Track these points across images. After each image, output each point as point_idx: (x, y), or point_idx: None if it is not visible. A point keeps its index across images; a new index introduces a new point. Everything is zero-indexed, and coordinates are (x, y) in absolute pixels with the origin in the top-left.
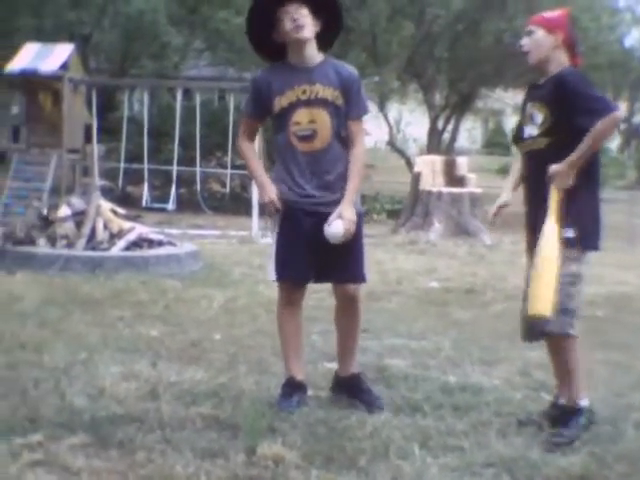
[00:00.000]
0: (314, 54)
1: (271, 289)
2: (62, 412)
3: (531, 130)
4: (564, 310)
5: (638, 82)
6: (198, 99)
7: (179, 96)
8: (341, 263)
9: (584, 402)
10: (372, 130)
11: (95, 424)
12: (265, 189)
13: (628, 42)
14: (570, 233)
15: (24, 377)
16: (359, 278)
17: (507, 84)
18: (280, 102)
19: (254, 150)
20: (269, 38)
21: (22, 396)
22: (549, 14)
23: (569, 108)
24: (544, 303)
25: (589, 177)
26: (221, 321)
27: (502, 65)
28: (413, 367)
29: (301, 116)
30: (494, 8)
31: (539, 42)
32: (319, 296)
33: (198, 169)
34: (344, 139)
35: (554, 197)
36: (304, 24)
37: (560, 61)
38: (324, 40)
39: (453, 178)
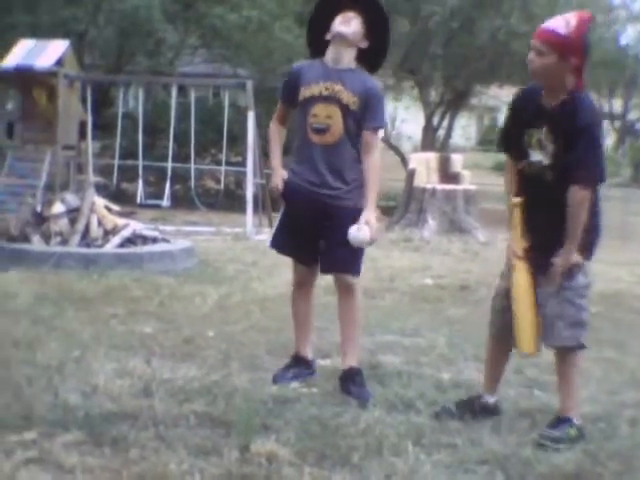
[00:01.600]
0: (348, 60)
1: (265, 286)
2: (56, 409)
3: (539, 157)
4: (577, 323)
5: (633, 80)
6: (193, 96)
7: (174, 93)
8: (341, 252)
9: (577, 421)
10: None
11: (89, 421)
12: (274, 173)
13: (623, 40)
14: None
15: (17, 374)
16: (355, 270)
17: (502, 81)
18: (304, 93)
19: (279, 134)
20: (322, 38)
21: (16, 394)
22: (564, 30)
23: (572, 146)
24: (528, 341)
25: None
26: (215, 318)
27: (497, 62)
28: (406, 364)
29: (319, 110)
30: (489, 5)
31: (550, 68)
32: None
33: (193, 166)
34: (355, 140)
35: (514, 217)
36: (351, 23)
37: (568, 85)
38: (370, 61)
39: (447, 175)
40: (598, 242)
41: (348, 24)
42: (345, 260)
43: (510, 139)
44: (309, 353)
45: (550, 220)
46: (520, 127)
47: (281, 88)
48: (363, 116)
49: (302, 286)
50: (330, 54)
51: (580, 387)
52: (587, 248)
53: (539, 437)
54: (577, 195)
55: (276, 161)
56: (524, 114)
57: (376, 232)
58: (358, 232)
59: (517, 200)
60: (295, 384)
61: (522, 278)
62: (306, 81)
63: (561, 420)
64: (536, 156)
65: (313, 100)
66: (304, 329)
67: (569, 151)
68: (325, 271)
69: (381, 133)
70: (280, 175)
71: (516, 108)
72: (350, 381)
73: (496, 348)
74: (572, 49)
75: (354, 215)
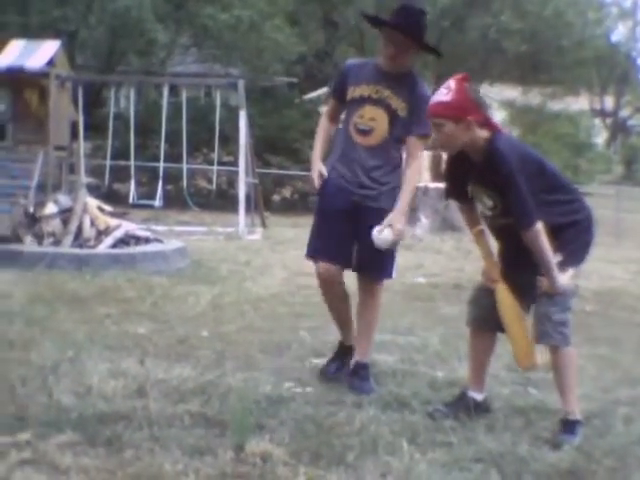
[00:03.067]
0: (402, 65)
1: (258, 286)
2: (50, 410)
3: (484, 210)
4: (563, 322)
5: (624, 77)
6: (185, 95)
7: (165, 92)
8: (371, 255)
9: (579, 416)
10: None
11: (83, 422)
12: (313, 168)
13: (614, 37)
14: (559, 257)
15: (12, 375)
16: (386, 274)
17: (493, 79)
18: (353, 92)
19: (326, 129)
20: None
21: (10, 394)
22: (447, 96)
23: (505, 196)
24: (526, 356)
25: (567, 214)
26: (208, 318)
27: (488, 60)
28: (401, 362)
29: (365, 111)
30: (479, 4)
31: (454, 135)
32: (307, 292)
33: (185, 166)
34: (399, 145)
35: (481, 247)
36: (398, 57)
37: (481, 137)
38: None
39: (439, 173)
40: (589, 250)
41: (393, 59)
42: (375, 263)
43: (454, 191)
44: (349, 342)
45: (521, 249)
46: (458, 181)
47: (332, 84)
48: (410, 122)
49: (326, 282)
50: (381, 58)
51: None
52: (576, 257)
53: (558, 442)
54: (526, 238)
55: (316, 156)
56: (460, 171)
57: (400, 234)
58: (379, 234)
59: (478, 228)
60: (290, 386)
61: (505, 297)
62: (356, 80)
63: (572, 422)
64: (480, 208)
65: (361, 100)
66: (341, 320)
67: (505, 200)
68: (356, 270)
69: (427, 140)
70: (318, 170)
71: (452, 164)
72: (355, 375)
73: (476, 340)
74: (462, 109)
75: (383, 217)
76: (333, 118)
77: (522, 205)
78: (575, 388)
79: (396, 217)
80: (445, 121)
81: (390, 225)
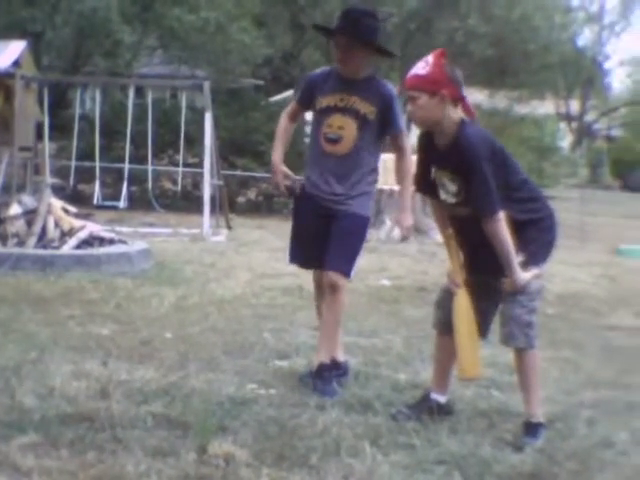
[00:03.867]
0: (363, 70)
1: (223, 288)
2: (12, 411)
3: (447, 197)
4: (528, 324)
5: (590, 81)
6: (150, 97)
7: (131, 94)
8: (333, 252)
9: (542, 419)
10: None
11: (45, 423)
12: (275, 169)
13: (581, 41)
14: (520, 257)
15: None
16: (342, 270)
17: None
18: (321, 102)
19: (286, 129)
20: None
21: None
22: (424, 70)
23: (469, 182)
24: (470, 366)
25: (528, 212)
26: (172, 319)
27: (455, 63)
28: (364, 365)
29: (333, 120)
30: (446, 7)
31: (426, 108)
32: (272, 294)
33: (150, 167)
34: (371, 149)
35: (450, 248)
36: (347, 61)
37: (453, 118)
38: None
39: None
40: (549, 250)
41: (343, 62)
42: (336, 258)
43: (423, 180)
44: (339, 355)
45: (482, 246)
46: (427, 168)
47: (298, 91)
48: (383, 124)
49: (320, 287)
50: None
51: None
52: (538, 257)
53: (520, 444)
54: (487, 227)
55: (277, 156)
56: (427, 155)
57: (409, 231)
58: (389, 232)
59: (450, 232)
60: (253, 388)
61: (461, 305)
62: (323, 91)
63: (535, 425)
64: (443, 195)
65: (328, 110)
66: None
67: (468, 187)
68: (322, 267)
69: (405, 136)
70: (280, 172)
71: (420, 150)
72: (318, 377)
73: (442, 342)
74: (437, 82)
75: (352, 219)
76: (292, 118)
77: (486, 192)
78: (538, 391)
79: (402, 216)
80: (420, 93)
81: (398, 223)
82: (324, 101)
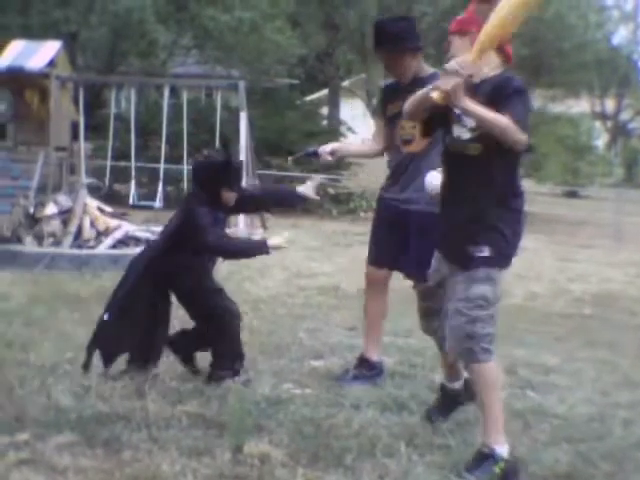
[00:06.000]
0: (419, 71)
1: (258, 287)
2: (48, 411)
3: (460, 132)
4: (468, 336)
5: (625, 80)
6: (185, 97)
7: (166, 94)
8: (416, 262)
9: (500, 449)
10: (360, 128)
11: (81, 423)
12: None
13: (616, 40)
14: (485, 252)
15: (10, 376)
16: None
17: None
18: (391, 109)
19: (366, 144)
20: None
21: (8, 395)
22: (461, 17)
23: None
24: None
25: (503, 193)
26: None
27: None
28: (400, 365)
29: (404, 122)
30: None
31: (460, 49)
32: (307, 294)
33: (185, 167)
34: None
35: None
36: (391, 69)
37: (489, 61)
38: None
39: None
40: (515, 251)
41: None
42: (421, 268)
43: (435, 117)
44: (374, 355)
45: (470, 198)
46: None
47: (375, 107)
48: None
49: (373, 286)
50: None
51: (501, 417)
52: (501, 255)
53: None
54: (510, 127)
55: (342, 142)
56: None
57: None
58: (432, 178)
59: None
60: (288, 387)
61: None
62: (390, 99)
63: (483, 456)
64: (457, 131)
65: (399, 115)
66: (372, 330)
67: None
68: (407, 277)
69: None
70: (332, 146)
71: None
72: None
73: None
74: (467, 22)
75: (425, 218)
76: (376, 138)
77: (524, 117)
78: (496, 411)
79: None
80: (452, 37)
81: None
82: (393, 108)
